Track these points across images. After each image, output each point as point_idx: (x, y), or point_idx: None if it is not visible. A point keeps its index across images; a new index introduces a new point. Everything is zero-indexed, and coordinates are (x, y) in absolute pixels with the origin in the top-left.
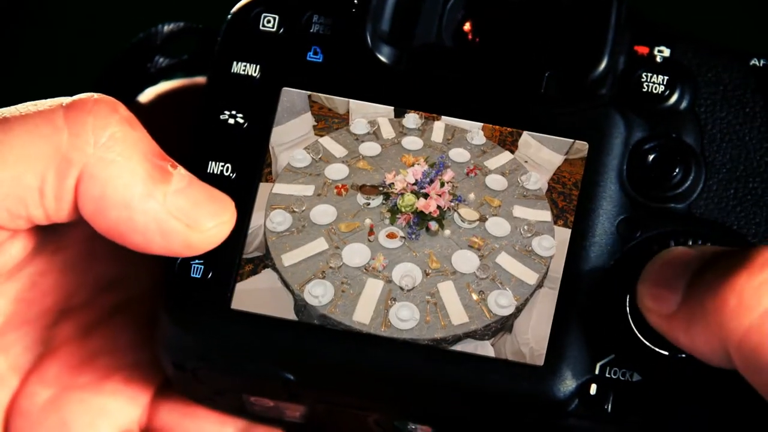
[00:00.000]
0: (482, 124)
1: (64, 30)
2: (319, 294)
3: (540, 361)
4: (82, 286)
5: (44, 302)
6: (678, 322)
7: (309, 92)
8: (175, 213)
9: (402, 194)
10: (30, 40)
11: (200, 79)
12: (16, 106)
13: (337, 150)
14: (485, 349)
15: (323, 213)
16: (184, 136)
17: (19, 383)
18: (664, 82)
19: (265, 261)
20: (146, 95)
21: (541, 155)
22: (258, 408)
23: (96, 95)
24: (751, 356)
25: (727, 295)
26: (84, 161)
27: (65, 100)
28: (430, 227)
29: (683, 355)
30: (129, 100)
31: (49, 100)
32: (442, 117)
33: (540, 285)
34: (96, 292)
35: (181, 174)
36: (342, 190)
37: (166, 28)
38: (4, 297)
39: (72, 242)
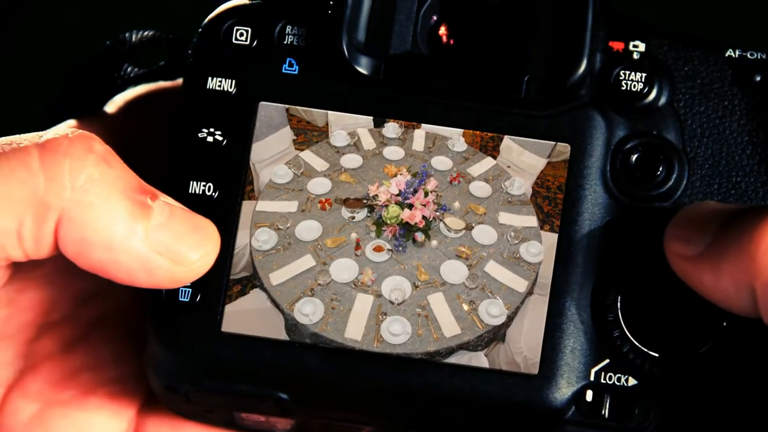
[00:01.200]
0: (463, 130)
1: (32, 35)
2: (309, 312)
3: (534, 370)
4: (61, 300)
5: (24, 317)
6: (705, 263)
7: (286, 106)
8: (158, 249)
9: (386, 206)
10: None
11: (166, 84)
12: None
13: (319, 164)
14: (479, 360)
15: (308, 229)
16: (155, 143)
17: (1, 399)
18: (642, 80)
19: (253, 281)
20: (114, 103)
21: (524, 159)
22: (248, 422)
23: (71, 132)
24: None
25: (764, 231)
26: (62, 206)
27: (40, 137)
28: (417, 238)
29: (676, 358)
30: (97, 110)
31: (22, 136)
32: (422, 125)
33: (530, 292)
34: (76, 306)
35: (161, 205)
36: (326, 204)
37: (135, 36)
38: None
39: (50, 258)
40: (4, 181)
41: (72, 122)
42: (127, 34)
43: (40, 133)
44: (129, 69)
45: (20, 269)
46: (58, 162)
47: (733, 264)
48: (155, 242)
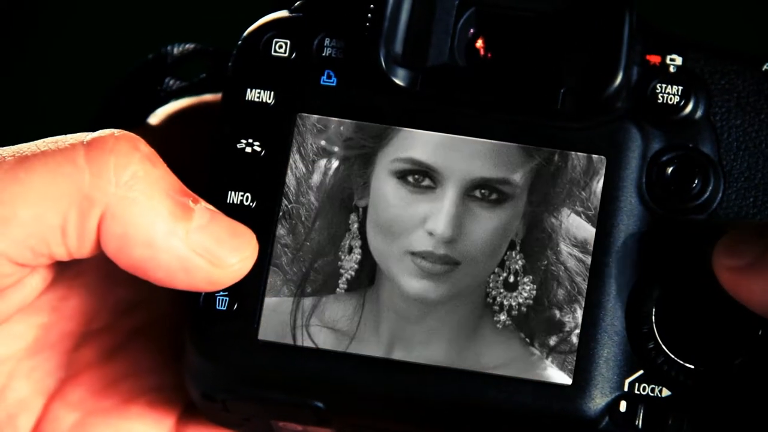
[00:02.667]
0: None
1: (74, 48)
2: None
3: (568, 380)
4: (103, 309)
5: (65, 326)
6: (755, 274)
7: (324, 117)
8: (197, 250)
9: None
10: (41, 49)
11: (209, 97)
12: (35, 142)
13: None
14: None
15: None
16: (197, 157)
17: (42, 408)
18: (679, 93)
19: None
20: (156, 116)
21: None
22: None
23: (116, 132)
24: None
25: None
26: (106, 201)
27: (85, 136)
28: None
29: (710, 369)
30: (139, 122)
31: (69, 136)
32: None
33: None
34: (117, 315)
35: (202, 209)
36: None
37: (176, 49)
38: (25, 323)
39: (92, 266)
40: (50, 177)
41: None
42: (168, 48)
43: (86, 133)
44: (171, 82)
45: (63, 275)
46: (104, 158)
47: None
48: (195, 243)
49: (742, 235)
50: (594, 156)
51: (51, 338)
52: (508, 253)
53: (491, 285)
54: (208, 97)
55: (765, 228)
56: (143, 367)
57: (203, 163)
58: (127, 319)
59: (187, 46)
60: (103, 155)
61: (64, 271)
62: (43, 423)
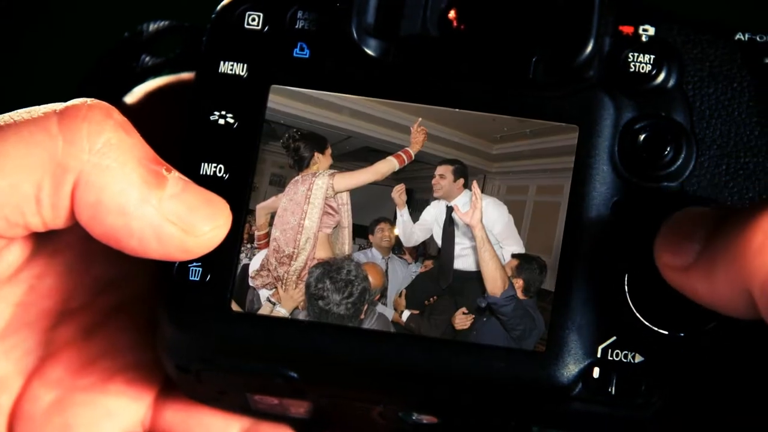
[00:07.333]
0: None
1: (50, 27)
2: None
3: (542, 347)
4: (80, 287)
5: (43, 305)
6: (698, 272)
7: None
8: (170, 218)
9: None
10: (16, 37)
11: (187, 75)
12: (9, 113)
13: None
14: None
15: None
16: (174, 134)
17: (21, 386)
18: (651, 61)
19: None
20: (133, 94)
21: None
22: (262, 406)
23: (89, 100)
24: None
25: (752, 233)
26: (79, 168)
27: (58, 106)
28: None
29: (682, 335)
30: (116, 100)
31: (42, 106)
32: None
33: None
34: (95, 293)
35: (175, 178)
36: None
37: (151, 26)
38: (3, 301)
39: (69, 244)
40: (24, 146)
41: None
42: (144, 25)
43: (60, 103)
44: (147, 59)
45: (40, 252)
46: (77, 126)
47: (727, 269)
48: (168, 211)
49: (680, 231)
50: (566, 124)
51: (29, 317)
52: None
53: None
54: (185, 75)
55: (701, 220)
56: (122, 345)
57: (179, 141)
58: (104, 298)
59: (162, 22)
60: (76, 122)
61: (41, 247)
62: (23, 402)
